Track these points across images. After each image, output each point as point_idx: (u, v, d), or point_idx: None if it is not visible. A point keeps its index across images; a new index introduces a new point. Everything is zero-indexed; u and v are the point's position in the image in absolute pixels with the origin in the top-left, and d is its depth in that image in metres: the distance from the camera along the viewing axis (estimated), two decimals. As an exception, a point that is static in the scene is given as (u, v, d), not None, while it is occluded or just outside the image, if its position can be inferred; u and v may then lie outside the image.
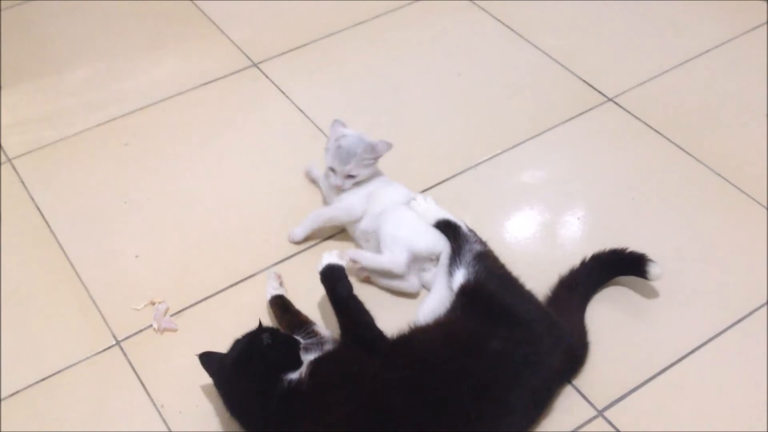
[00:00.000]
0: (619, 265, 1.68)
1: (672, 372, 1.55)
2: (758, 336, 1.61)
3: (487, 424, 1.37)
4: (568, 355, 1.51)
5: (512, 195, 1.91)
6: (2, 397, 1.56)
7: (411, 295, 1.68)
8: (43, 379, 1.58)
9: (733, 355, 1.58)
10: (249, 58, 2.26)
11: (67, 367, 1.60)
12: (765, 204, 1.84)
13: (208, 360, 1.46)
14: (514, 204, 1.89)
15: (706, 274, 1.71)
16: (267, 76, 2.20)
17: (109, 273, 1.76)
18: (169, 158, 2.01)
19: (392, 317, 1.52)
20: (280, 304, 1.63)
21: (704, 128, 2.04)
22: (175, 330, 1.65)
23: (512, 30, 2.32)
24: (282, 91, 2.16)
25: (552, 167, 1.98)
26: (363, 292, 1.58)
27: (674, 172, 1.93)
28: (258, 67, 2.20)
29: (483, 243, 1.63)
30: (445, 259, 1.65)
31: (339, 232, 1.80)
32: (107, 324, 1.67)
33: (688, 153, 1.96)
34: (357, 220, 1.74)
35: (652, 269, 1.63)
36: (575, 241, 1.80)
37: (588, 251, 1.69)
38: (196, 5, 2.45)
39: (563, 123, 2.05)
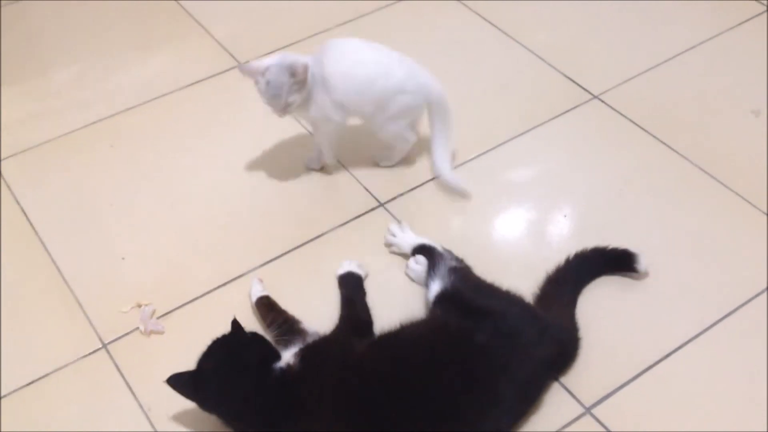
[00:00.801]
0: (605, 263, 1.69)
1: (659, 368, 1.56)
2: (746, 331, 1.61)
3: (476, 415, 1.38)
4: (557, 348, 1.52)
5: (498, 192, 1.91)
6: (-12, 401, 1.55)
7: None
8: (28, 383, 1.57)
9: (721, 350, 1.59)
10: (234, 58, 2.25)
11: (53, 371, 1.59)
12: (750, 200, 1.84)
13: (179, 381, 1.41)
14: (500, 201, 1.89)
15: (693, 270, 1.72)
16: (252, 76, 2.20)
17: (95, 275, 1.75)
18: (155, 159, 2.00)
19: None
20: (266, 304, 1.63)
21: (689, 125, 2.04)
22: (161, 332, 1.64)
23: (497, 28, 2.32)
24: (268, 91, 2.15)
25: (538, 165, 1.98)
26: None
27: (660, 168, 1.94)
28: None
29: (459, 260, 1.66)
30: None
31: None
32: (93, 327, 1.66)
33: (673, 149, 1.96)
34: (344, 115, 1.79)
35: (639, 262, 1.66)
36: (562, 238, 1.80)
37: (575, 248, 1.69)
38: (180, 5, 2.44)
39: (549, 121, 2.05)
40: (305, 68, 1.70)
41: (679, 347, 1.59)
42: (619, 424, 1.48)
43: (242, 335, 1.44)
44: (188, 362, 1.42)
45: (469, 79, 2.18)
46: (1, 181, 1.96)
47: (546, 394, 1.51)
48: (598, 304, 1.65)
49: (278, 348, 1.46)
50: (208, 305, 1.69)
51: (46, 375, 1.59)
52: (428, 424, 1.36)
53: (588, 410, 1.50)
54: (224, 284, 1.72)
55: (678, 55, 2.23)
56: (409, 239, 1.74)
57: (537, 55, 2.24)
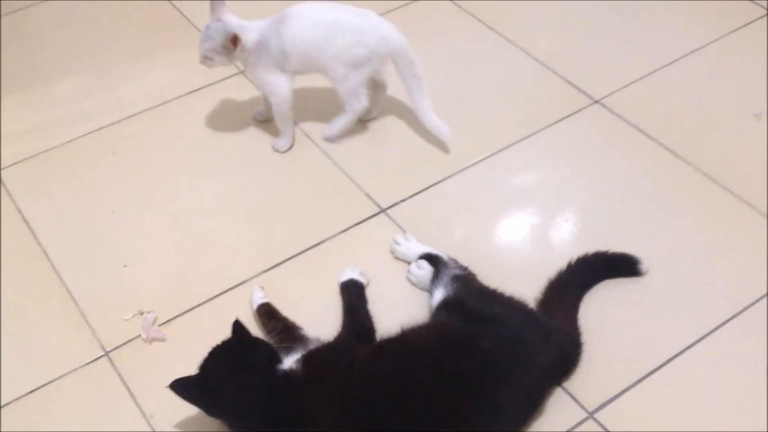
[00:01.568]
0: (607, 267, 1.69)
1: (662, 373, 1.55)
2: (748, 335, 1.61)
3: (479, 420, 1.37)
4: (560, 353, 1.52)
5: (501, 198, 1.91)
6: (-10, 409, 1.55)
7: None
8: (31, 391, 1.58)
9: (723, 355, 1.58)
10: (236, 66, 2.25)
11: (56, 379, 1.59)
12: (753, 204, 1.84)
13: (182, 386, 1.40)
14: (502, 207, 1.89)
15: (695, 275, 1.72)
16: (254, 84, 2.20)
17: (97, 283, 1.75)
18: (157, 167, 2.01)
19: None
20: (267, 312, 1.63)
21: (690, 128, 2.04)
22: (163, 339, 1.64)
23: (498, 33, 2.32)
24: (269, 98, 2.16)
25: (539, 170, 1.98)
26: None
27: (661, 172, 1.93)
28: (245, 75, 2.20)
29: (464, 268, 1.66)
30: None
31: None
32: (95, 334, 1.66)
33: (674, 153, 1.96)
34: (288, 93, 1.89)
35: (641, 264, 1.67)
36: (565, 243, 1.80)
37: (577, 253, 1.70)
38: (182, 14, 2.44)
39: (550, 126, 2.05)
40: (235, 41, 1.80)
41: (681, 352, 1.58)
42: (622, 428, 1.48)
43: (245, 335, 1.44)
44: (190, 369, 1.42)
45: (470, 84, 2.18)
46: (3, 189, 1.97)
47: (549, 399, 1.50)
48: (600, 309, 1.65)
49: (280, 355, 1.46)
50: (210, 313, 1.69)
51: (49, 383, 1.59)
52: (431, 429, 1.35)
53: (591, 415, 1.50)
54: (225, 292, 1.72)
55: (679, 59, 2.23)
56: (414, 248, 1.74)
57: (538, 60, 2.24)
